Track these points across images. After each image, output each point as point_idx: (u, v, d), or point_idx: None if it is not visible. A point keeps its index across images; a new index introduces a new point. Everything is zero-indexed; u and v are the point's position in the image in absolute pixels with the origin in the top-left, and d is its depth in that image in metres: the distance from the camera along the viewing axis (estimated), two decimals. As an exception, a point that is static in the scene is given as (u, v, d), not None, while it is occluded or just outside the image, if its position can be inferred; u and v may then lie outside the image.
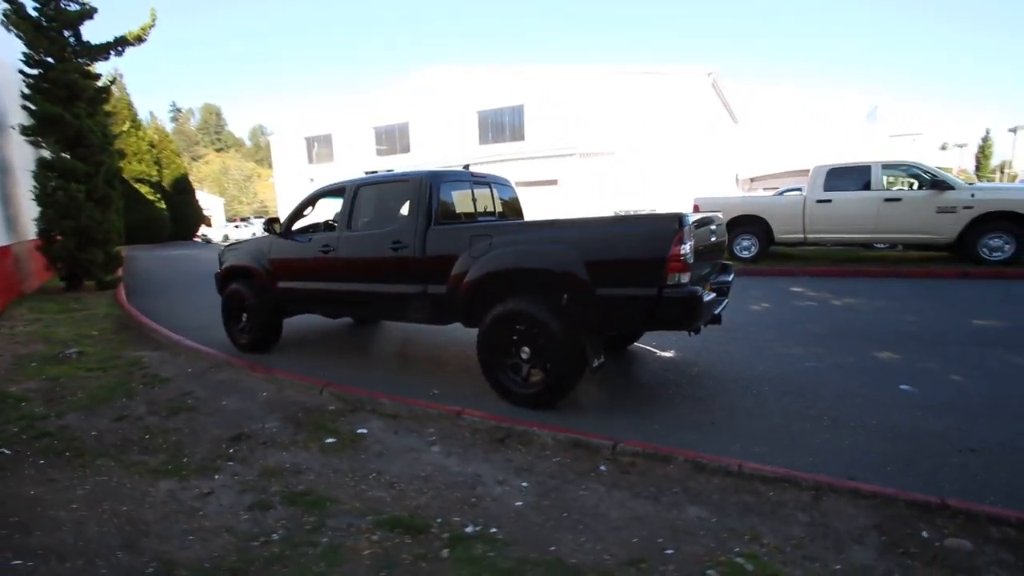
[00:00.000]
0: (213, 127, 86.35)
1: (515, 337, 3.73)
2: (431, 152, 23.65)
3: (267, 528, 2.26)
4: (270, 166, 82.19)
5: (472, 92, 22.67)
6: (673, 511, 2.35)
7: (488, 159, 20.72)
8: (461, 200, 4.68)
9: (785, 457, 2.85)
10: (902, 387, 3.91)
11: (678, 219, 3.26)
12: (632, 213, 15.29)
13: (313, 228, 5.51)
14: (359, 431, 3.38)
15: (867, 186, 9.58)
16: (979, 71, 79.85)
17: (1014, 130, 37.10)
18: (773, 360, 4.61)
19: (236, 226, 33.12)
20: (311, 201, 5.30)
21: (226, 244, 6.38)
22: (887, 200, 9.30)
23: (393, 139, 25.69)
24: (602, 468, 2.77)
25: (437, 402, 3.73)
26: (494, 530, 2.20)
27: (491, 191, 5.12)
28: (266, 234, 5.47)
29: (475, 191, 4.91)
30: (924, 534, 2.11)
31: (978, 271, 8.23)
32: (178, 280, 11.67)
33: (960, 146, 39.65)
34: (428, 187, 4.29)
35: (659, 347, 5.04)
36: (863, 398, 3.69)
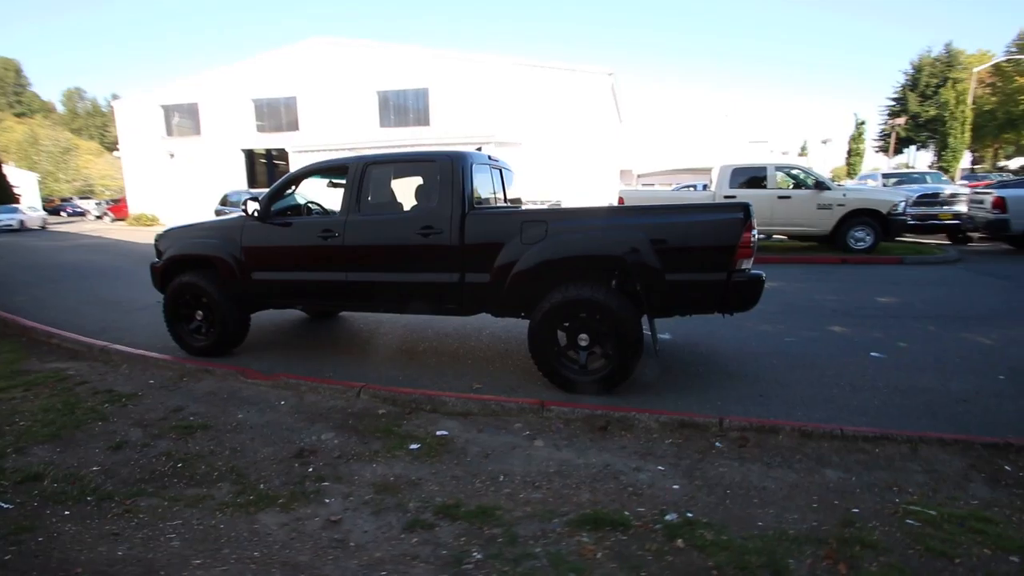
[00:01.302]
0: (11, 87, 69.57)
1: (573, 325, 3.68)
2: (323, 131, 21.76)
3: (456, 549, 1.98)
4: (91, 137, 68.88)
5: (372, 70, 21.27)
6: (815, 476, 2.55)
7: (390, 143, 19.74)
8: (484, 184, 4.45)
9: (845, 418, 3.23)
10: (872, 354, 4.63)
11: (745, 208, 3.48)
12: (548, 206, 15.70)
13: (292, 212, 4.80)
14: (439, 433, 3.08)
15: (764, 185, 11.04)
16: (800, 87, 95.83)
17: (826, 142, 45.31)
18: (758, 338, 5.15)
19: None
20: (296, 180, 4.61)
21: (166, 229, 5.25)
22: (780, 197, 10.81)
23: (277, 114, 23.09)
24: (718, 444, 2.89)
25: (495, 395, 3.54)
26: (690, 515, 2.19)
27: (501, 176, 4.93)
28: (224, 215, 4.64)
29: (491, 174, 4.69)
30: (1007, 468, 2.58)
31: (853, 258, 9.98)
32: (30, 272, 9.35)
33: (784, 153, 47.45)
34: (461, 169, 4.00)
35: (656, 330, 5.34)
36: (852, 365, 4.30)
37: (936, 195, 12.45)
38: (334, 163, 4.48)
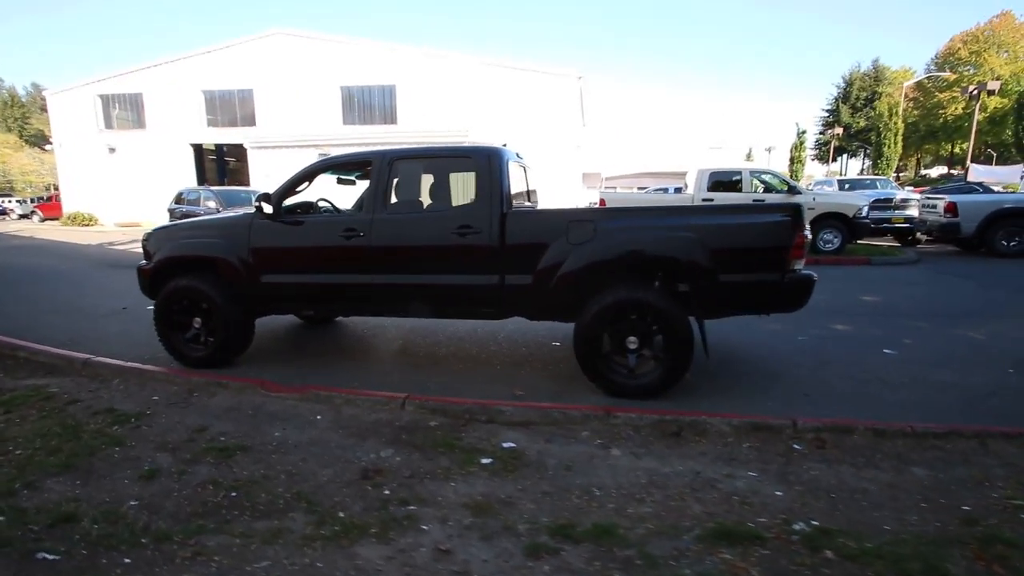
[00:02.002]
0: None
1: (623, 327, 3.58)
2: (282, 126, 20.75)
3: (593, 573, 1.81)
4: (9, 129, 62.63)
5: (335, 65, 20.45)
6: (905, 475, 2.56)
7: (354, 140, 19.05)
8: (517, 181, 4.27)
9: (895, 414, 3.28)
10: (885, 351, 4.81)
11: (796, 210, 3.50)
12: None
13: (304, 209, 4.44)
14: (505, 446, 2.88)
15: (739, 188, 11.42)
16: (747, 94, 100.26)
17: (770, 149, 47.77)
18: (771, 337, 5.23)
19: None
20: (310, 175, 4.26)
21: (155, 227, 4.73)
22: (755, 200, 11.20)
23: (231, 108, 21.77)
24: (797, 447, 2.85)
25: (542, 402, 3.39)
26: (816, 523, 2.11)
27: (525, 173, 4.77)
28: (214, 213, 4.25)
29: (519, 172, 4.53)
30: (1073, 459, 2.69)
31: (823, 258, 10.46)
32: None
33: (747, 158, 49.73)
34: (499, 165, 3.81)
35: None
36: (870, 361, 4.42)
37: (889, 200, 13.28)
38: (354, 157, 4.18)
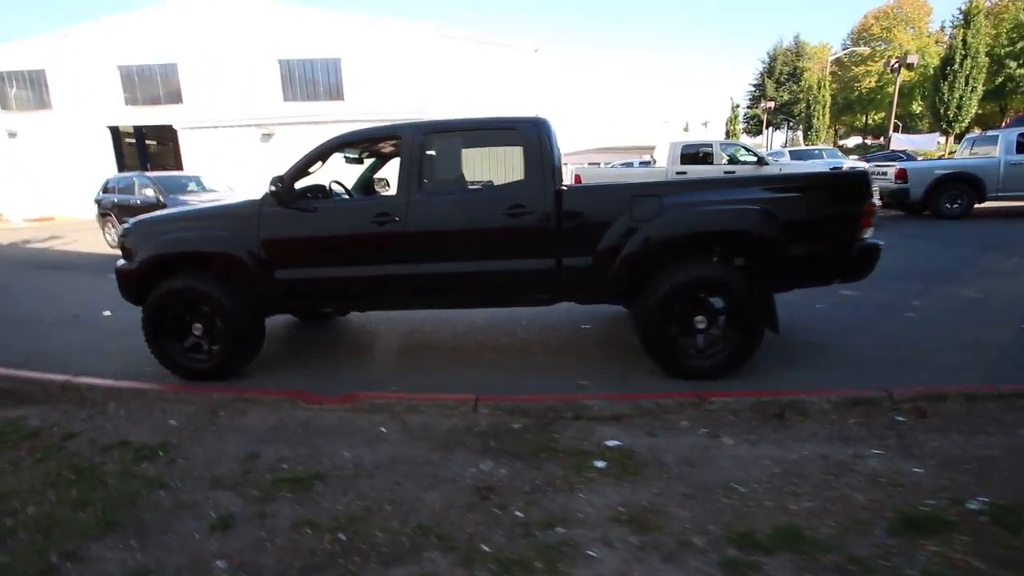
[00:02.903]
0: None
1: (690, 306, 3.41)
2: (214, 105, 18.93)
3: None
4: None
5: (272, 36, 18.77)
6: (1014, 437, 2.56)
7: (297, 119, 17.80)
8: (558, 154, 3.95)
9: (957, 376, 3.33)
10: (906, 314, 4.96)
11: (864, 177, 3.42)
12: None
13: (315, 193, 3.91)
14: (609, 444, 2.64)
15: (711, 160, 11.59)
16: (683, 69, 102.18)
17: (706, 123, 49.42)
18: (788, 306, 5.20)
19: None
20: (323, 154, 3.73)
21: (136, 220, 4.00)
22: (726, 172, 11.41)
23: (153, 84, 19.53)
24: (900, 418, 2.81)
25: (609, 391, 3.20)
26: (985, 499, 2.04)
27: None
28: (217, 200, 3.68)
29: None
30: None
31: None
32: None
33: (684, 131, 51.06)
34: (547, 137, 3.48)
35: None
36: (897, 326, 4.52)
37: (840, 168, 14.00)
38: (378, 132, 3.69)
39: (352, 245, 3.58)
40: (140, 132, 22.33)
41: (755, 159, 11.49)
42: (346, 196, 4.24)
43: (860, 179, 3.39)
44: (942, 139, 26.61)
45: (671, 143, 11.98)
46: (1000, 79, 35.80)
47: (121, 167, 20.11)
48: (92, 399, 3.39)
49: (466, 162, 3.72)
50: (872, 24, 53.54)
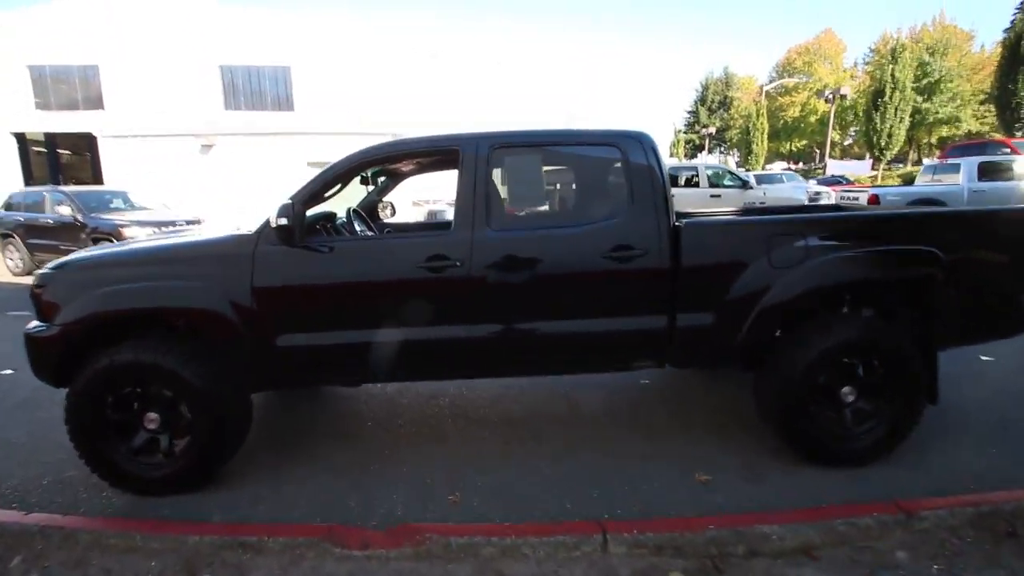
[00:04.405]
0: None
1: (835, 374, 2.68)
2: (143, 112, 16.86)
3: None
4: None
5: (212, 39, 17.03)
6: None
7: (241, 130, 16.19)
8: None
9: None
10: (982, 357, 4.51)
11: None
12: (433, 208, 14.34)
13: (325, 224, 2.89)
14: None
15: (696, 183, 11.31)
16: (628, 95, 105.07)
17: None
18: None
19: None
20: (348, 173, 2.74)
21: (62, 261, 2.77)
22: (712, 196, 11.16)
23: (69, 87, 17.11)
24: None
25: (738, 490, 2.41)
26: None
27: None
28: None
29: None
30: None
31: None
32: None
33: None
34: (655, 156, 2.68)
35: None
36: (981, 374, 4.05)
37: (818, 195, 14.26)
38: (427, 145, 2.73)
39: (392, 300, 2.59)
40: (52, 140, 19.61)
41: (740, 183, 11.33)
42: (365, 230, 3.21)
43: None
44: (871, 165, 28.54)
45: (656, 165, 11.63)
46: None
47: (28, 180, 17.45)
48: (52, 542, 2.15)
49: (582, 186, 2.83)
50: (795, 58, 57.84)
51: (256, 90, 17.76)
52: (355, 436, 3.20)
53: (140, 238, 3.92)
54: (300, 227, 2.51)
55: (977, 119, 40.24)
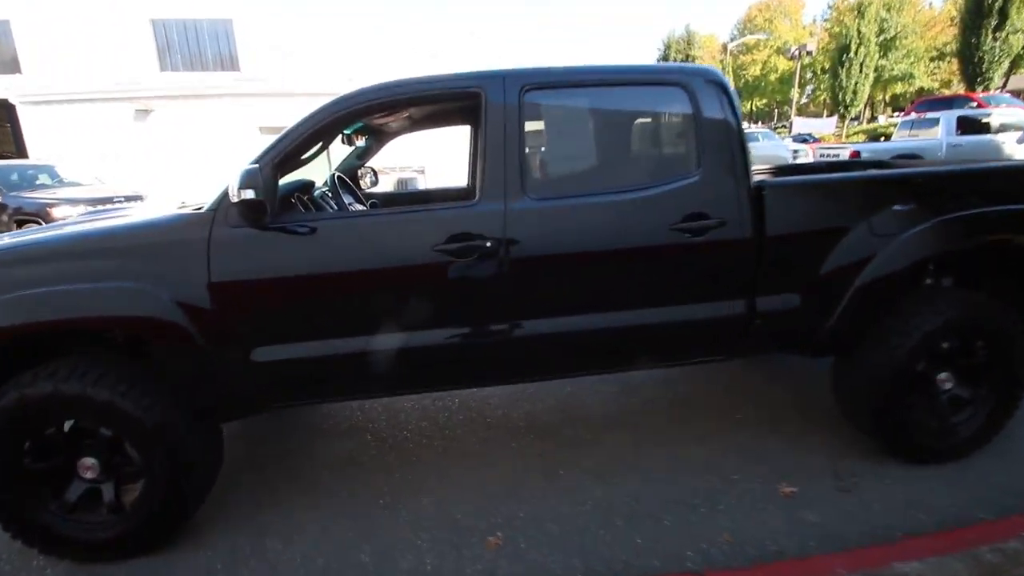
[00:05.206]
0: None
1: (932, 361, 2.27)
2: (67, 74, 14.94)
3: None
4: None
5: (137, -12, 15.10)
6: None
7: (180, 92, 14.66)
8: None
9: None
10: None
11: None
12: (402, 176, 13.48)
13: (304, 198, 2.22)
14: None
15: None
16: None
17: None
18: None
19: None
20: (332, 126, 2.04)
21: None
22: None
23: (-27, 47, 14.96)
24: None
25: (824, 501, 2.04)
26: None
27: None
28: (137, 210, 1.98)
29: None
30: None
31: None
32: None
33: None
34: (727, 98, 2.11)
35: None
36: None
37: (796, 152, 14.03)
38: (438, 85, 2.04)
39: (402, 293, 1.98)
40: (-44, 109, 17.28)
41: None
42: (354, 203, 2.54)
43: None
44: (836, 122, 28.70)
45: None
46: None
47: (-69, 154, 15.35)
48: None
49: (640, 140, 2.21)
50: (756, 15, 57.51)
51: (195, 48, 15.96)
52: (353, 457, 2.62)
53: (72, 219, 3.12)
54: (272, 201, 1.85)
55: (928, 75, 41.07)
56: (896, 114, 31.00)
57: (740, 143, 2.07)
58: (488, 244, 1.93)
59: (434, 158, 15.78)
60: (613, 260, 2.03)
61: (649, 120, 2.28)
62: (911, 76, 40.74)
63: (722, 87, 2.09)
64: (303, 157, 2.09)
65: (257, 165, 1.75)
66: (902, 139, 12.64)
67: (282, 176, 2.02)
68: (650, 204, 2.02)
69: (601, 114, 2.17)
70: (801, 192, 2.19)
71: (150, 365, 1.99)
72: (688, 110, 2.06)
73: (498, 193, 1.95)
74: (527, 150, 1.99)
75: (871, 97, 43.68)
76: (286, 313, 1.95)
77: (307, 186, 2.36)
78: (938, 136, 11.49)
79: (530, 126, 2.05)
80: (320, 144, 2.17)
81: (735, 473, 2.36)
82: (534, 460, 2.52)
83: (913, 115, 13.32)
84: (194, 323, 1.86)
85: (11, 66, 15.18)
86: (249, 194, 1.70)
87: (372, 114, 2.31)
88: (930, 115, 12.27)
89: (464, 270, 1.94)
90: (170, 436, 1.89)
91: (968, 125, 11.38)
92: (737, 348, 2.27)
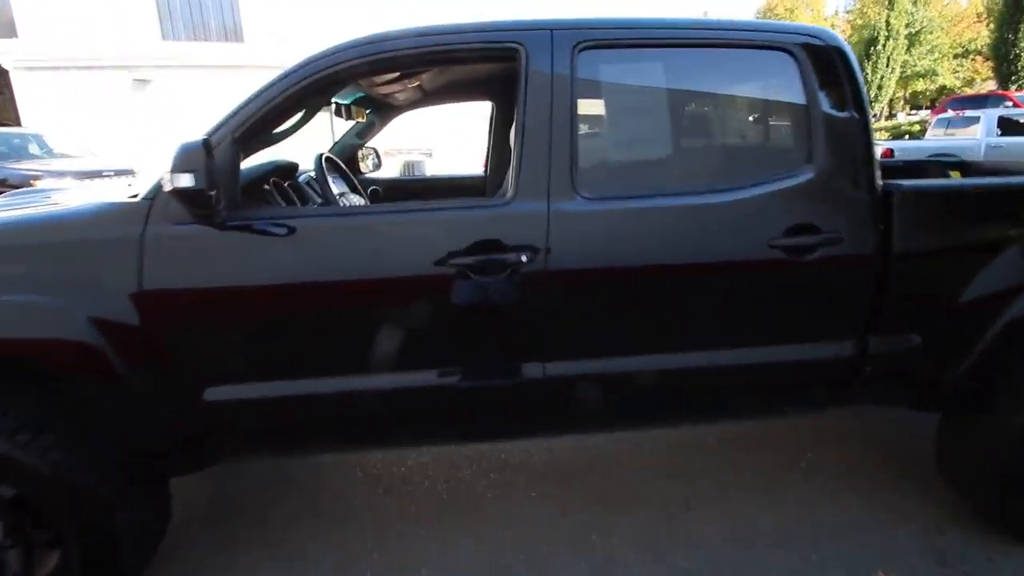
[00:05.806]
0: None
1: None
2: (66, 41, 14.35)
3: None
4: None
5: (137, -48, 14.41)
6: None
7: (181, 63, 14.09)
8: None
9: None
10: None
11: None
12: (409, 159, 12.86)
13: (280, 184, 1.69)
14: None
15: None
16: None
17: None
18: None
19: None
20: (313, 89, 1.50)
21: None
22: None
23: (-35, 8, 14.33)
24: None
25: None
26: None
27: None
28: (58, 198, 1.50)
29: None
30: None
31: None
32: None
33: None
34: (849, 72, 1.57)
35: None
36: None
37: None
38: (465, 38, 1.51)
39: (407, 318, 1.47)
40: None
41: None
42: (348, 194, 2.02)
43: None
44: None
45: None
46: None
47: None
48: None
49: (731, 123, 1.68)
50: (777, 5, 56.11)
51: (198, 17, 15.29)
52: (339, 509, 2.13)
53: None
54: (229, 189, 1.33)
55: (952, 73, 39.70)
56: (914, 111, 29.77)
57: (865, 132, 1.54)
58: (524, 257, 1.41)
59: (443, 139, 15.14)
60: (687, 285, 1.52)
61: (745, 97, 1.73)
62: (934, 73, 39.43)
63: (842, 55, 1.55)
64: (277, 131, 1.57)
65: (202, 139, 1.23)
66: (936, 138, 11.98)
67: (248, 155, 1.50)
68: (743, 211, 1.50)
69: (681, 86, 1.62)
70: (942, 200, 1.66)
71: (66, 404, 1.49)
72: (797, 84, 1.52)
73: (540, 190, 1.43)
74: (580, 132, 1.46)
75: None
76: (246, 341, 1.44)
77: (287, 169, 1.85)
78: (977, 136, 10.86)
79: (584, 102, 1.52)
80: (303, 113, 1.64)
81: (812, 549, 1.87)
82: (560, 520, 2.03)
83: (950, 112, 12.59)
84: (119, 351, 1.36)
85: (8, 30, 14.54)
86: (186, 180, 1.18)
87: (368, 74, 1.77)
88: (969, 113, 11.58)
89: (490, 291, 1.43)
90: (91, 497, 1.41)
91: (1008, 125, 10.75)
92: (832, 402, 1.76)
